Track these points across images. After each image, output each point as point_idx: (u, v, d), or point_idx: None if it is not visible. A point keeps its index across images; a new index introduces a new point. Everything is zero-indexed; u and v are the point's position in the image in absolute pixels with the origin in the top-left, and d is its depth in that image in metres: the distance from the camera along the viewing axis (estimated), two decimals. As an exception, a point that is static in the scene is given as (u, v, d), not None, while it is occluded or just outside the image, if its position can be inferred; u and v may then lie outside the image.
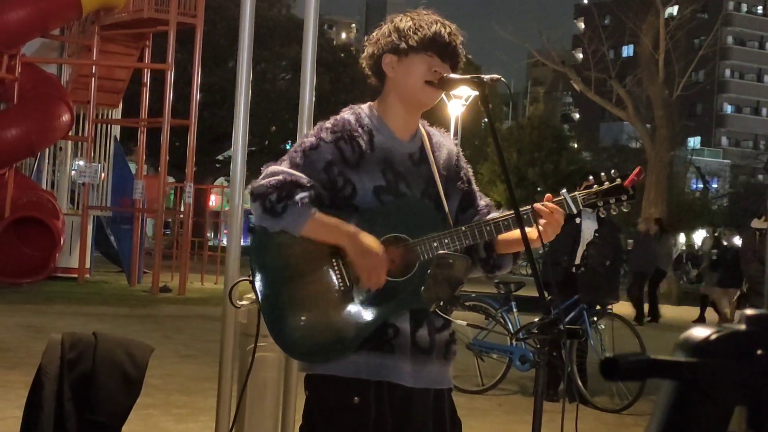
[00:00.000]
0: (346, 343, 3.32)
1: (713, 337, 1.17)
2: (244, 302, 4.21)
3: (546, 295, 3.40)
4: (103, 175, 23.86)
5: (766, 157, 72.54)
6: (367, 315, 3.34)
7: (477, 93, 3.56)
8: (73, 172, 24.61)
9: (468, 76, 3.67)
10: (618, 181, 3.63)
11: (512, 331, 10.05)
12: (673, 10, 36.40)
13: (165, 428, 7.80)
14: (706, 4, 51.62)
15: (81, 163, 23.55)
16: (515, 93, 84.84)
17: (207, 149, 39.20)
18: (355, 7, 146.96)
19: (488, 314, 10.43)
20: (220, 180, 45.64)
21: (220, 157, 44.75)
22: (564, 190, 3.53)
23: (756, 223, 9.93)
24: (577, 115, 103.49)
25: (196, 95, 21.69)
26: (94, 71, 22.90)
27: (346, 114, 3.52)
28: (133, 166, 26.93)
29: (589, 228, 10.18)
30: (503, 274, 3.81)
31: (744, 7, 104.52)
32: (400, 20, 3.53)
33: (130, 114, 26.36)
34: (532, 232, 3.41)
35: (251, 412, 5.01)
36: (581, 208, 3.54)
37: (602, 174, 3.62)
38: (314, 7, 5.43)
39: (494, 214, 3.56)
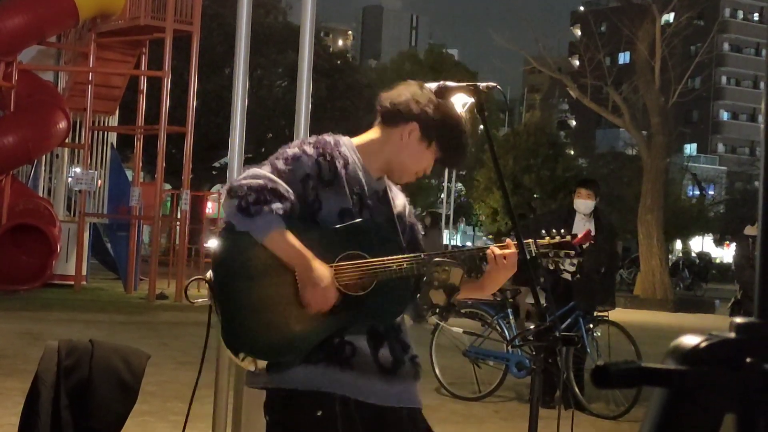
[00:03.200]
0: (295, 347, 3.36)
1: (703, 344, 1.19)
2: (200, 300, 4.18)
3: (542, 302, 3.42)
4: (99, 182, 23.84)
5: (762, 163, 72.47)
6: (320, 323, 3.36)
7: (473, 100, 3.58)
8: (69, 179, 24.60)
9: (464, 84, 3.69)
10: (568, 237, 3.66)
11: (508, 338, 10.07)
12: (670, 17, 36.44)
13: (161, 435, 7.80)
14: (702, 11, 51.68)
15: (77, 170, 23.54)
16: (512, 100, 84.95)
17: (203, 156, 39.18)
18: (352, 14, 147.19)
19: (484, 321, 10.44)
20: (217, 187, 45.55)
21: (216, 164, 44.72)
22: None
23: (749, 230, 9.96)
24: (573, 122, 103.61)
25: (192, 102, 21.68)
26: (90, 78, 22.88)
27: (327, 138, 3.56)
28: (129, 173, 26.90)
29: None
30: None
31: (740, 14, 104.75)
32: (453, 104, 3.59)
33: (126, 121, 26.36)
34: (475, 282, 3.57)
35: (247, 419, 5.02)
36: (534, 254, 3.60)
37: (553, 231, 3.69)
38: (311, 14, 5.44)
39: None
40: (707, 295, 37.79)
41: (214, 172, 45.56)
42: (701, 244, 69.46)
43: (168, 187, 31.43)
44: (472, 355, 10.39)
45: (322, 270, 3.33)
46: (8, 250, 19.35)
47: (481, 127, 3.60)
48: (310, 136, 3.65)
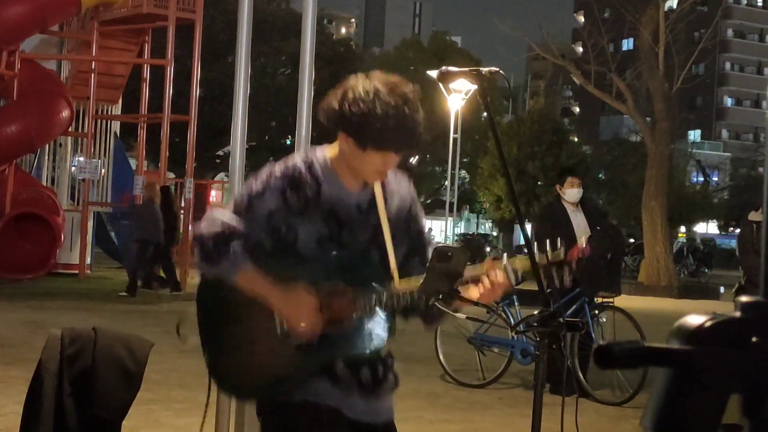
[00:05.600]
0: (283, 385, 3.42)
1: (708, 324, 1.17)
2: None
3: (546, 288, 3.40)
4: (103, 171, 23.84)
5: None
6: (303, 360, 3.40)
7: (476, 86, 3.55)
8: (73, 168, 24.59)
9: (467, 69, 3.67)
10: (561, 254, 3.62)
11: (513, 324, 10.05)
12: (673, 2, 36.36)
13: (165, 423, 7.81)
14: (706, -4, 51.56)
15: (81, 159, 23.52)
16: (515, 87, 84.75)
17: (207, 144, 39.18)
18: (354, 1, 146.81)
19: (489, 308, 10.40)
20: (221, 175, 45.57)
21: (220, 153, 44.71)
22: (506, 262, 3.52)
23: (753, 216, 9.93)
24: (577, 109, 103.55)
25: (195, 90, 21.66)
26: (93, 67, 22.88)
27: (299, 161, 3.48)
28: (133, 162, 26.91)
29: (579, 223, 10.18)
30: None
31: (744, 0, 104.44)
32: (362, 100, 3.33)
33: (129, 110, 26.34)
34: (473, 291, 3.49)
35: (252, 407, 5.00)
36: (520, 280, 3.55)
37: (548, 249, 3.62)
38: (313, 1, 5.42)
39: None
40: (711, 281, 37.77)
41: (217, 161, 45.55)
42: (705, 230, 69.41)
43: (171, 175, 31.38)
44: (477, 342, 10.38)
45: (296, 288, 3.35)
46: (12, 240, 19.35)
47: (485, 113, 3.55)
48: (302, 150, 3.61)
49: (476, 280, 3.47)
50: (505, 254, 3.56)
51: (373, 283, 3.42)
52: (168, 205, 20.34)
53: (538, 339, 3.47)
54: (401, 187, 3.64)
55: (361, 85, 3.35)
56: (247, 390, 3.57)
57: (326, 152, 3.51)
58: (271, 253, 3.41)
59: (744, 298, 1.18)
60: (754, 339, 1.16)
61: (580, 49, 75.66)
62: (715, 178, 67.86)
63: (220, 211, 3.45)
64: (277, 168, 3.46)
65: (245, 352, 3.46)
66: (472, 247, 39.83)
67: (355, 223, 3.48)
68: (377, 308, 3.39)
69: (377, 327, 3.47)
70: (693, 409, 1.16)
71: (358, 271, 3.44)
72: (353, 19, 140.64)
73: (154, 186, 20.23)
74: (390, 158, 3.40)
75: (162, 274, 20.19)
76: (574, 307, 9.59)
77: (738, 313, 1.18)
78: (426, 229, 3.74)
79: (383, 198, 3.53)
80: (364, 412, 3.48)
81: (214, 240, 3.35)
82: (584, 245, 3.67)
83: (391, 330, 3.55)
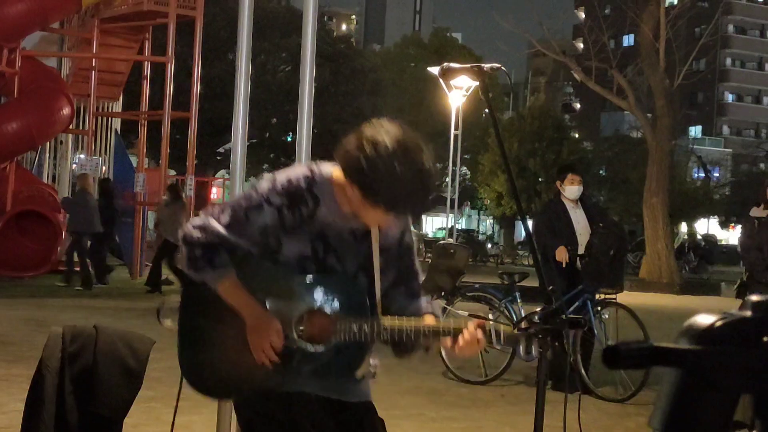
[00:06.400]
0: (241, 390, 3.50)
1: (718, 324, 1.15)
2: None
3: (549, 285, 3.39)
4: (104, 168, 23.84)
5: (768, 145, 72.54)
6: (270, 373, 3.43)
7: (477, 83, 3.54)
8: (74, 166, 24.59)
9: (468, 65, 3.66)
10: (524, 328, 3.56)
11: (515, 321, 10.04)
12: (674, -1, 36.34)
13: (167, 421, 7.77)
14: (707, -8, 51.54)
15: (82, 156, 23.54)
16: (516, 83, 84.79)
17: (208, 142, 39.18)
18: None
19: (491, 305, 10.41)
20: (222, 172, 45.60)
21: (221, 150, 44.72)
22: (491, 322, 3.53)
23: (755, 212, 9.91)
24: (578, 105, 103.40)
25: (196, 88, 21.66)
26: (94, 64, 22.88)
27: (302, 177, 3.42)
28: (134, 159, 26.89)
29: (579, 220, 10.17)
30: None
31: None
32: (381, 161, 3.19)
33: (130, 107, 26.34)
34: (447, 341, 3.45)
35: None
36: (502, 343, 3.52)
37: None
38: (314, -3, 5.40)
39: (421, 311, 3.55)
40: (713, 277, 37.75)
41: (218, 158, 45.55)
42: (707, 226, 69.38)
43: (172, 172, 31.40)
44: (479, 339, 10.35)
45: (266, 319, 3.39)
46: (13, 237, 19.35)
47: (486, 110, 3.54)
48: (303, 161, 3.60)
49: (457, 333, 3.43)
50: (490, 315, 3.56)
51: (357, 311, 3.41)
52: (108, 199, 20.26)
53: (540, 336, 3.45)
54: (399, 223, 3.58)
55: (381, 142, 3.20)
56: (209, 386, 3.63)
57: (332, 173, 3.41)
58: (257, 262, 3.44)
59: (755, 298, 1.17)
60: (765, 339, 1.15)
61: (581, 46, 75.67)
62: (716, 174, 67.75)
63: (215, 219, 3.44)
64: (279, 181, 3.42)
65: (218, 350, 3.51)
66: (473, 244, 39.85)
67: (345, 248, 3.46)
68: (356, 337, 3.38)
69: (348, 362, 3.47)
70: (703, 409, 1.14)
71: (343, 296, 3.42)
72: (354, 16, 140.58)
73: (87, 177, 20.19)
74: (388, 218, 3.38)
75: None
76: (576, 303, 9.58)
77: (749, 313, 1.16)
78: (416, 261, 3.66)
79: (378, 227, 3.49)
80: (333, 388, 3.48)
81: (203, 248, 3.40)
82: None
83: (360, 361, 3.52)
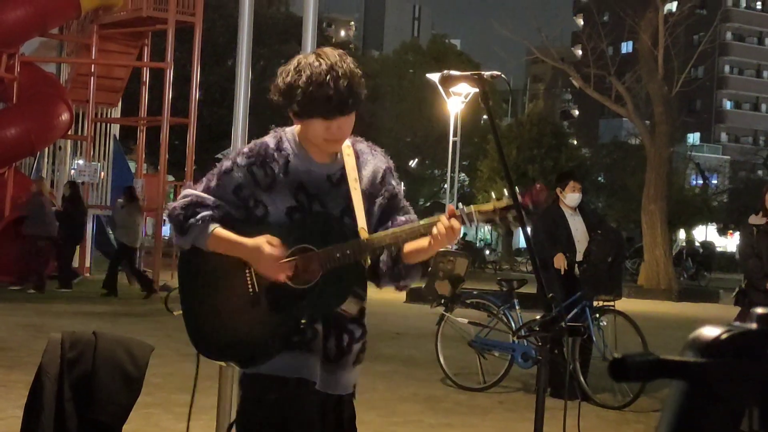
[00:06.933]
0: (259, 345, 3.53)
1: (724, 336, 1.15)
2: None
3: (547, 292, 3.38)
4: (102, 174, 23.84)
5: (766, 153, 72.58)
6: (276, 319, 3.52)
7: (476, 90, 3.55)
8: (72, 171, 24.58)
9: (468, 73, 3.67)
10: (509, 201, 3.58)
11: (514, 328, 10.04)
12: (672, 6, 36.36)
13: (166, 427, 7.78)
14: (705, 0, 51.59)
15: (80, 162, 23.53)
16: (514, 90, 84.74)
17: (207, 147, 39.14)
18: (354, 4, 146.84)
19: (490, 312, 10.40)
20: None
21: (220, 156, 44.37)
22: (461, 206, 3.58)
23: (753, 220, 9.91)
24: (576, 112, 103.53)
25: (195, 94, 21.67)
26: (93, 70, 22.88)
27: (268, 138, 3.66)
28: (132, 165, 26.90)
29: (577, 227, 10.17)
30: (410, 283, 3.79)
31: (743, 3, 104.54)
32: (288, 75, 3.51)
33: (129, 113, 26.33)
34: (424, 240, 3.50)
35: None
36: (476, 223, 3.55)
37: (504, 192, 3.63)
38: (313, 4, 5.41)
39: (400, 225, 3.62)
40: (711, 284, 37.73)
41: (217, 164, 45.54)
42: (705, 233, 69.40)
43: (171, 178, 31.38)
44: (478, 346, 10.36)
45: (260, 239, 3.45)
46: (11, 242, 19.35)
47: (485, 116, 3.55)
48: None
49: (428, 232, 3.49)
50: (460, 203, 3.57)
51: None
52: (76, 203, 20.19)
53: (540, 343, 3.45)
54: (376, 158, 3.73)
55: (295, 60, 3.54)
56: (221, 350, 3.66)
57: (295, 129, 3.65)
58: (241, 223, 3.56)
59: (760, 310, 1.17)
60: (771, 351, 1.14)
61: (580, 53, 75.71)
62: (715, 181, 67.83)
63: (191, 189, 3.65)
64: (246, 147, 3.67)
65: (220, 316, 3.60)
66: (472, 251, 39.83)
67: (325, 194, 3.59)
68: (341, 262, 3.47)
69: (337, 291, 3.53)
70: (708, 422, 1.14)
71: (330, 235, 3.51)
72: (353, 22, 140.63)
73: (42, 181, 20.22)
74: (332, 125, 3.47)
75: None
76: (575, 311, 9.57)
77: (754, 325, 1.16)
78: (401, 196, 3.77)
79: (356, 168, 3.62)
80: (321, 381, 3.54)
81: (183, 209, 3.56)
82: (537, 191, 3.59)
83: (361, 291, 3.62)
